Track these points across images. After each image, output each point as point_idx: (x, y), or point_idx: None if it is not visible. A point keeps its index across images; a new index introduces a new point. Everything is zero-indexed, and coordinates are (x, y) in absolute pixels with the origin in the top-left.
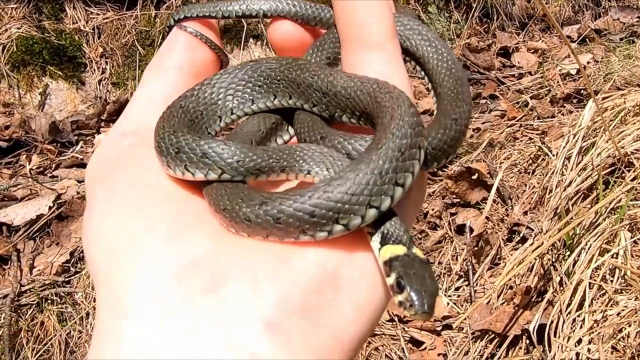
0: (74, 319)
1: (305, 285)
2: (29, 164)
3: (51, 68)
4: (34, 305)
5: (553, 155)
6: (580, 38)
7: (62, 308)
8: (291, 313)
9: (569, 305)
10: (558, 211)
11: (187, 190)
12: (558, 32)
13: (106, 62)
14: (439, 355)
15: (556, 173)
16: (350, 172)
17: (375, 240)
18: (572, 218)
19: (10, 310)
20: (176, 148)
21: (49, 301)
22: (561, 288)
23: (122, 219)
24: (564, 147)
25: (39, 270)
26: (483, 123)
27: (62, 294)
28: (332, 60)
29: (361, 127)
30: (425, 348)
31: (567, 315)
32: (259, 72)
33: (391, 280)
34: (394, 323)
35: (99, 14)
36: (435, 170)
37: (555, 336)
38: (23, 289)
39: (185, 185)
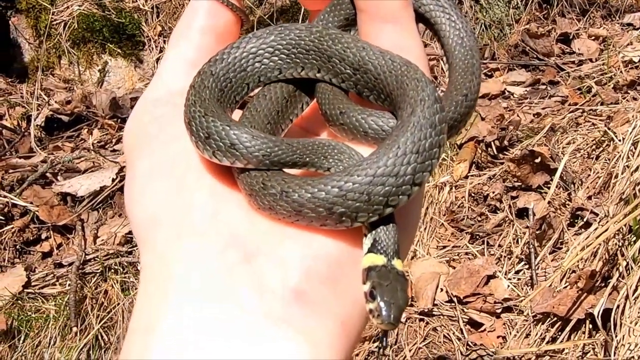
0: (136, 288)
1: (327, 260)
2: (91, 138)
3: (110, 46)
4: (98, 274)
5: (619, 140)
6: None
7: (125, 277)
8: (316, 283)
9: (635, 290)
10: (624, 196)
11: (218, 166)
12: (623, 18)
13: (164, 41)
14: (498, 337)
15: (622, 158)
16: (368, 168)
17: (366, 244)
18: (639, 203)
19: (76, 277)
20: (206, 133)
21: (112, 270)
22: (627, 273)
23: (162, 191)
24: (630, 132)
25: (102, 240)
26: (543, 108)
27: (125, 264)
28: (349, 21)
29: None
30: (485, 330)
31: (634, 300)
32: (288, 40)
33: (366, 288)
34: (453, 304)
35: None
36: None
37: (621, 321)
38: (87, 257)
39: None
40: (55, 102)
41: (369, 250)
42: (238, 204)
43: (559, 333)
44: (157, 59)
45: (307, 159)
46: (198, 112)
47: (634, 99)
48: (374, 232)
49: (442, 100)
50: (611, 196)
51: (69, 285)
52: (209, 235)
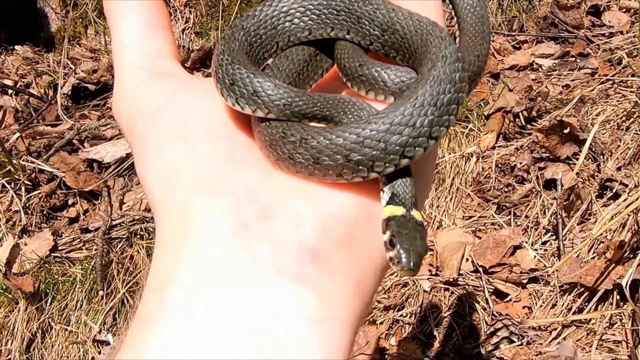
0: None
1: (343, 218)
2: None
3: None
4: (123, 239)
5: None
6: None
7: (150, 243)
8: (332, 242)
9: None
10: None
11: (234, 125)
12: None
13: (190, 12)
14: (523, 307)
15: None
16: (385, 117)
17: (384, 198)
18: None
19: (102, 242)
20: (231, 80)
21: (138, 236)
22: None
23: (177, 156)
24: None
25: (128, 206)
26: (572, 80)
27: (151, 229)
28: None
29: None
30: (510, 300)
31: None
32: (319, 0)
33: (386, 237)
34: (478, 274)
35: None
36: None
37: None
38: (113, 223)
39: (231, 119)
40: (82, 71)
41: (388, 203)
42: (254, 165)
43: (586, 304)
44: (183, 30)
45: (327, 112)
46: (225, 60)
47: None
48: (390, 185)
49: (464, 61)
50: None
51: (95, 249)
52: (224, 194)
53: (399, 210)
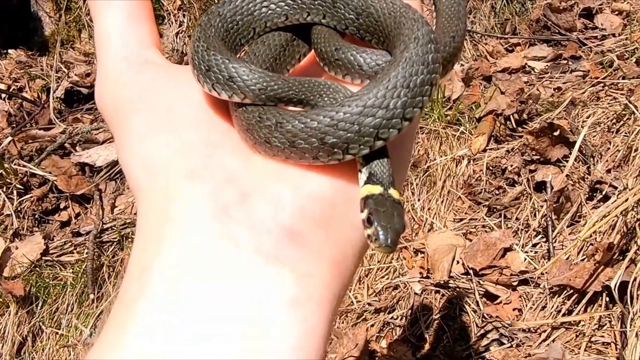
0: None
1: (321, 199)
2: None
3: None
4: (115, 243)
5: None
6: None
7: None
8: (310, 223)
9: None
10: None
11: (212, 111)
12: None
13: (183, 15)
14: (514, 309)
15: None
16: (359, 100)
17: (362, 178)
18: None
19: (93, 245)
20: (207, 66)
21: (129, 239)
22: None
23: (159, 141)
24: None
25: (120, 209)
26: (564, 83)
27: None
28: None
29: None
30: (501, 302)
31: None
32: None
33: (363, 215)
34: (469, 276)
35: None
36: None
37: (638, 293)
38: (105, 226)
39: (211, 105)
40: (75, 74)
41: (366, 182)
42: (233, 150)
43: (575, 305)
44: (177, 33)
45: (303, 96)
46: (201, 46)
47: None
48: (368, 165)
49: (437, 42)
50: (630, 169)
51: (87, 253)
52: (204, 179)
53: (377, 189)
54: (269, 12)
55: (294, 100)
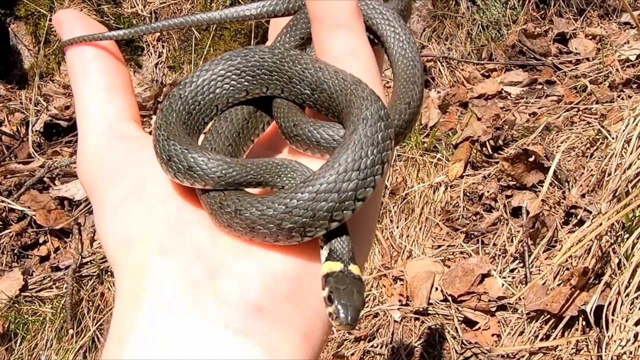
0: None
1: (286, 275)
2: None
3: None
4: (94, 277)
5: (612, 138)
6: None
7: None
8: (276, 298)
9: (627, 287)
10: (617, 194)
11: (184, 188)
12: (620, 17)
13: (163, 46)
14: (492, 335)
15: (615, 156)
16: (310, 186)
17: (323, 254)
18: (631, 200)
19: (72, 280)
20: (167, 155)
21: (109, 273)
22: (619, 270)
23: (132, 215)
24: (623, 130)
25: (99, 243)
26: (539, 108)
27: None
28: (305, 41)
29: None
30: (479, 328)
31: (625, 297)
32: (252, 62)
33: (325, 293)
34: (448, 303)
35: None
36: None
37: (613, 317)
38: (84, 260)
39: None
40: (54, 107)
41: (327, 259)
42: (203, 223)
43: (553, 330)
44: (156, 64)
45: (262, 178)
46: (162, 135)
47: (629, 97)
48: (328, 243)
49: (388, 117)
50: (604, 194)
51: (66, 288)
52: (175, 253)
53: (337, 266)
54: (230, 88)
55: (253, 183)
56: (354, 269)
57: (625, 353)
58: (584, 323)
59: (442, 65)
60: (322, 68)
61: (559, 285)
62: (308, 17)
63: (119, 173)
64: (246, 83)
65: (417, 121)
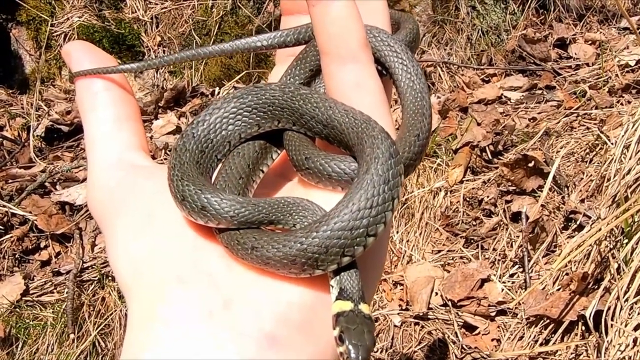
0: None
1: (300, 306)
2: None
3: (110, 56)
4: (95, 282)
5: (612, 144)
6: None
7: None
8: (290, 328)
9: (626, 292)
10: (616, 199)
11: None
12: (619, 22)
13: (163, 51)
14: (492, 340)
15: (615, 161)
16: (325, 225)
17: (334, 293)
18: (631, 205)
19: (73, 285)
20: (181, 195)
21: (110, 278)
22: (619, 275)
23: (145, 245)
24: (623, 135)
25: (100, 248)
26: (539, 113)
27: None
28: (314, 72)
29: None
30: (479, 333)
31: (624, 302)
32: (264, 100)
33: (336, 333)
34: (447, 308)
35: (157, 4)
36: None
37: (612, 322)
38: (85, 265)
39: None
40: (56, 112)
41: (337, 298)
42: (218, 253)
43: (552, 335)
44: (157, 69)
45: (273, 217)
46: (176, 175)
47: (629, 102)
48: (337, 278)
49: (398, 154)
50: (603, 199)
51: (67, 293)
52: (190, 283)
53: (348, 306)
54: (242, 124)
55: (265, 222)
56: (364, 307)
57: (624, 358)
58: (583, 328)
59: (442, 70)
60: (332, 107)
61: (558, 290)
62: (317, 49)
63: (129, 203)
64: (258, 118)
65: (425, 152)
